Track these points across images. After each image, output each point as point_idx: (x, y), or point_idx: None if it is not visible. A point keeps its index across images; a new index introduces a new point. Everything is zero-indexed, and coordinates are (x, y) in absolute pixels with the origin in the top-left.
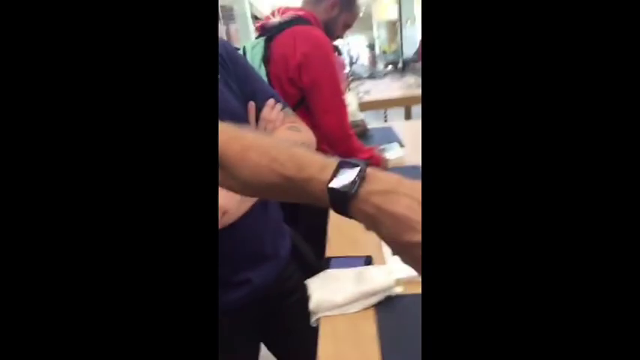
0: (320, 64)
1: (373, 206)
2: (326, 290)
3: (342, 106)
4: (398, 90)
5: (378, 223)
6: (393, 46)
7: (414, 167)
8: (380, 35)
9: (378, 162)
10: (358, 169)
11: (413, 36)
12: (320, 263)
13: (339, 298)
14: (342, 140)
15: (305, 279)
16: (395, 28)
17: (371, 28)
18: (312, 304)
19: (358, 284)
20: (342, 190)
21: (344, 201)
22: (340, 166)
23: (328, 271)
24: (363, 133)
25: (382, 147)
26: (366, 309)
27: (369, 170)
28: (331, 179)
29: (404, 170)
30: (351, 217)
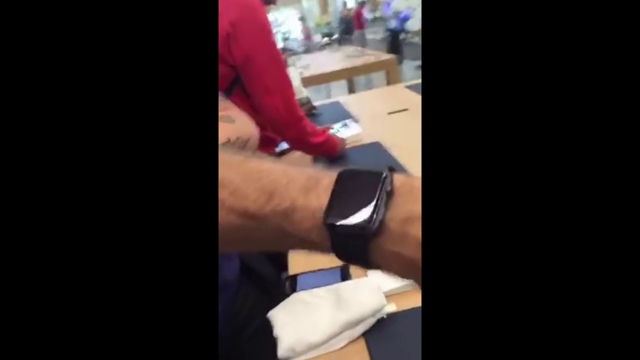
0: (253, 33)
1: (415, 244)
2: (298, 326)
3: (286, 82)
4: (338, 62)
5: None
6: (326, 18)
7: (374, 144)
8: (311, 7)
9: (335, 145)
10: (380, 179)
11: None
12: (280, 280)
13: (318, 336)
14: (291, 124)
15: (263, 300)
16: None
17: (300, 0)
18: (283, 349)
19: (339, 310)
20: (355, 224)
21: (360, 243)
22: (342, 178)
23: (296, 295)
24: (311, 111)
25: (335, 126)
26: (354, 341)
27: (398, 179)
28: (329, 207)
29: (365, 149)
30: (371, 266)
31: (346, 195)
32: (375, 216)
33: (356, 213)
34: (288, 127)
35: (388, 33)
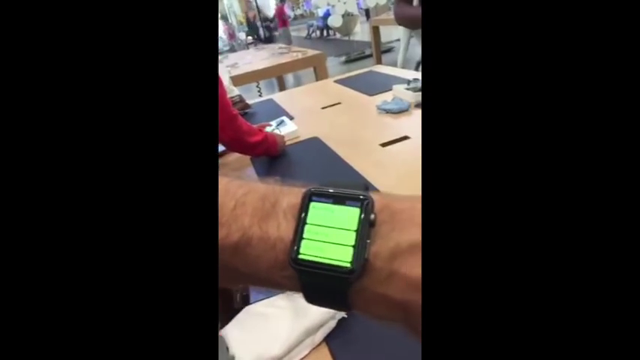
0: None
1: (405, 284)
2: (256, 341)
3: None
4: (266, 59)
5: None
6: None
7: (313, 139)
8: (232, 5)
9: (274, 144)
10: (361, 206)
11: (266, 2)
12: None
13: (278, 349)
14: (225, 123)
15: None
16: None
17: None
18: None
19: (298, 317)
20: (333, 266)
21: (339, 287)
22: (309, 199)
23: (250, 307)
24: (245, 110)
25: (272, 123)
26: (316, 348)
27: (377, 201)
28: (294, 240)
29: (304, 145)
30: (350, 310)
31: (319, 222)
32: (358, 254)
33: (331, 248)
34: (223, 127)
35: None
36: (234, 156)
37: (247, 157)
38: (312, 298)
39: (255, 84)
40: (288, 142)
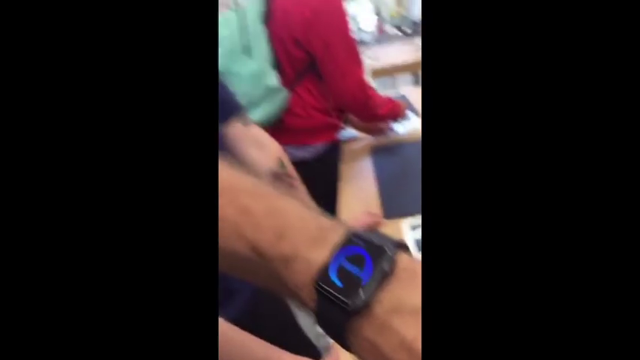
0: (333, 22)
1: (397, 341)
2: None
3: (359, 65)
4: (407, 54)
5: None
6: (401, 10)
7: None
8: None
9: (398, 110)
10: (384, 253)
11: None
12: None
13: None
14: (364, 102)
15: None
16: None
17: None
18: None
19: None
20: (339, 295)
21: (340, 317)
22: (351, 240)
23: None
24: None
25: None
26: None
27: (404, 261)
28: (324, 267)
29: None
30: (349, 350)
31: (349, 261)
32: (361, 292)
33: (349, 284)
34: (363, 106)
35: None
36: (357, 146)
37: (367, 148)
38: (322, 322)
39: (391, 77)
40: (409, 139)
